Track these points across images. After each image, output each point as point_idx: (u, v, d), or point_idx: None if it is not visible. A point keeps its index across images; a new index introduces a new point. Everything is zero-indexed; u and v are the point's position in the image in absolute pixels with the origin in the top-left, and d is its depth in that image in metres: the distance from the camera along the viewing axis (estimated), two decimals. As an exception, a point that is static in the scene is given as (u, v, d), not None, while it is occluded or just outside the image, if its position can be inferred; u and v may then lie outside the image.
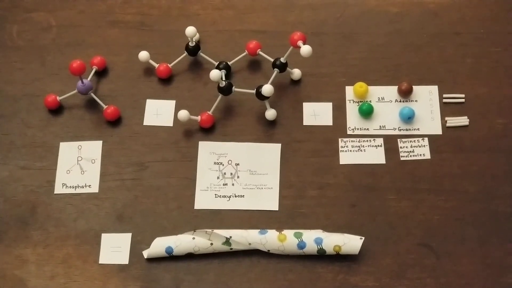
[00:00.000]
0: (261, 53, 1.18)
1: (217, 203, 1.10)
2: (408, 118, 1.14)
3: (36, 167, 1.13)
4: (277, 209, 1.09)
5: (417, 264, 1.05)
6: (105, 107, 1.16)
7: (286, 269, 1.05)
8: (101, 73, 1.21)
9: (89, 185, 1.12)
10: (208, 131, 1.15)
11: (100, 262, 1.07)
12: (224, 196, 1.11)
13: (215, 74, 1.11)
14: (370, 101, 1.17)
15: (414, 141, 1.13)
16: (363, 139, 1.14)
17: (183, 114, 1.12)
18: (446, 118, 1.15)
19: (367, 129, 1.15)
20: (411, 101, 1.17)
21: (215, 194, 1.11)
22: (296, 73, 1.18)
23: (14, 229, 1.09)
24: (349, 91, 1.17)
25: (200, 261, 1.06)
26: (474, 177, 1.10)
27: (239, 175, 1.12)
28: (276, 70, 1.15)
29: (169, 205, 1.10)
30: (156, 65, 1.19)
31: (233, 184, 1.11)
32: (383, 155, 1.12)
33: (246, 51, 1.19)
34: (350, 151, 1.13)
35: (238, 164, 1.13)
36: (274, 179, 1.11)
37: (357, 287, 1.04)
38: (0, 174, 1.13)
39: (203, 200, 1.10)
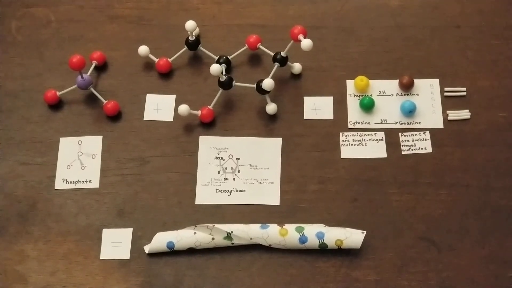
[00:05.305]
0: (261, 47, 1.18)
1: (218, 198, 1.10)
2: (409, 111, 1.13)
3: (36, 163, 1.13)
4: (278, 203, 1.09)
5: (419, 258, 1.05)
6: (105, 102, 1.15)
7: (287, 263, 1.05)
8: (101, 68, 1.20)
9: (90, 180, 1.11)
10: (209, 126, 1.15)
11: (101, 257, 1.06)
12: (225, 191, 1.10)
13: (215, 68, 1.10)
14: (371, 95, 1.16)
15: (416, 134, 1.13)
16: (364, 133, 1.13)
17: (184, 108, 1.12)
18: (448, 112, 1.14)
19: (368, 123, 1.14)
20: (412, 94, 1.16)
21: (216, 189, 1.10)
22: (297, 67, 1.18)
23: (14, 225, 1.09)
24: (350, 85, 1.17)
25: (201, 256, 1.06)
26: (476, 171, 1.10)
27: (240, 169, 1.12)
28: (276, 64, 1.15)
29: (170, 200, 1.10)
30: (156, 60, 1.19)
31: (234, 179, 1.11)
32: (384, 149, 1.12)
33: (246, 45, 1.19)
34: (351, 145, 1.13)
35: (239, 159, 1.12)
36: (275, 173, 1.11)
37: (359, 281, 1.04)
38: (0, 170, 1.13)
39: (204, 195, 1.10)
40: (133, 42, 1.21)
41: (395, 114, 1.15)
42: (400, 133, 1.13)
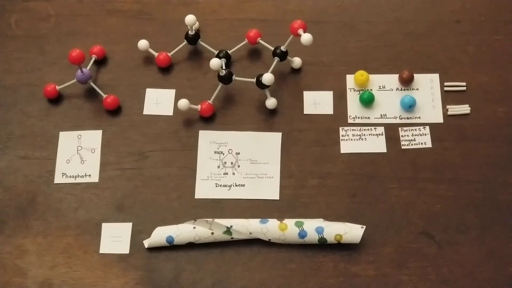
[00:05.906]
0: (261, 41, 1.17)
1: (218, 192, 1.10)
2: (409, 106, 1.13)
3: (36, 157, 1.13)
4: (278, 198, 1.09)
5: (419, 253, 1.05)
6: (104, 96, 1.15)
7: (287, 258, 1.05)
8: (100, 62, 1.20)
9: (89, 175, 1.11)
10: (208, 120, 1.15)
11: (100, 251, 1.06)
12: (225, 186, 1.10)
13: (215, 63, 1.10)
14: (371, 89, 1.16)
15: (415, 129, 1.13)
16: (364, 127, 1.13)
17: (183, 103, 1.12)
18: (448, 107, 1.14)
19: (368, 117, 1.14)
20: (412, 89, 1.16)
21: (216, 184, 1.10)
22: (297, 61, 1.18)
23: (14, 219, 1.09)
24: (350, 79, 1.17)
25: (200, 250, 1.06)
26: (475, 166, 1.10)
27: (240, 164, 1.12)
28: (276, 59, 1.15)
29: (169, 195, 1.10)
30: (156, 54, 1.19)
31: (233, 173, 1.11)
32: (384, 144, 1.12)
33: (246, 39, 1.19)
34: (351, 140, 1.13)
35: (238, 153, 1.12)
36: (275, 168, 1.11)
37: (358, 276, 1.04)
38: (-1, 164, 1.13)
39: (204, 189, 1.10)
40: (132, 36, 1.21)
41: (395, 109, 1.15)
42: (399, 128, 1.13)
